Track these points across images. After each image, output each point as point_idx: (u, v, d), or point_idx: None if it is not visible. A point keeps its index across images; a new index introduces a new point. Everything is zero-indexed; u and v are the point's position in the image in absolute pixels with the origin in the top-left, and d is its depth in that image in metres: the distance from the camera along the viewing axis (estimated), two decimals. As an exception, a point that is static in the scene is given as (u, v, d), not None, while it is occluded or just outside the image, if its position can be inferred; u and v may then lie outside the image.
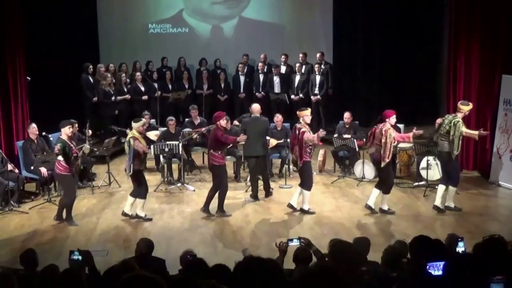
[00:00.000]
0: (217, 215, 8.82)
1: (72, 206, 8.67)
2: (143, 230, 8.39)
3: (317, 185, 9.91)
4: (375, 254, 5.26)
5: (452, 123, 8.62)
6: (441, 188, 8.87)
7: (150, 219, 8.74)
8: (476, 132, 8.84)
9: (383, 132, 8.55)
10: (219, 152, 8.78)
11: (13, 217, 8.91)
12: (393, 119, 8.67)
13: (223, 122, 8.92)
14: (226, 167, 9.14)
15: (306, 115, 8.85)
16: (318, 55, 13.77)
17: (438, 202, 8.87)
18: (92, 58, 13.45)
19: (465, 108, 8.76)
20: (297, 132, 8.76)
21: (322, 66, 13.67)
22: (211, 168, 8.93)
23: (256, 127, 9.47)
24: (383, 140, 8.52)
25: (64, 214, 8.63)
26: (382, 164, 8.61)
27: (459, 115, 8.69)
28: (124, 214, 8.81)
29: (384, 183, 8.84)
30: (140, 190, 8.72)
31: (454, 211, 8.86)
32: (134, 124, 8.69)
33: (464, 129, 8.61)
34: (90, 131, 10.18)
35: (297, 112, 9.06)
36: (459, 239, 5.03)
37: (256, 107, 9.77)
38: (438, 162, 9.72)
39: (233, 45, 14.83)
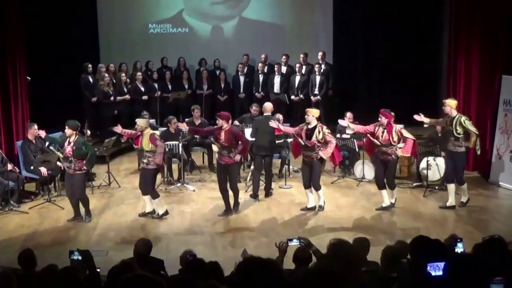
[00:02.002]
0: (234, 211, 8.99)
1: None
2: (143, 230, 8.39)
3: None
4: (376, 254, 5.25)
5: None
6: (464, 186, 9.01)
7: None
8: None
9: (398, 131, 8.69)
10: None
11: (13, 217, 8.91)
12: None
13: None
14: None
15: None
16: (320, 54, 13.72)
17: (464, 198, 9.07)
18: (92, 58, 13.45)
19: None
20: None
21: (323, 66, 13.66)
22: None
23: (267, 125, 9.48)
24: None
25: (74, 213, 8.73)
26: None
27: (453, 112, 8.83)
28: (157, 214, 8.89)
29: None
30: None
31: (451, 209, 8.95)
32: (142, 121, 8.85)
33: None
34: (89, 131, 10.18)
35: (315, 111, 9.25)
36: (458, 240, 5.03)
37: (268, 105, 9.90)
38: (438, 163, 9.73)
39: (233, 45, 14.82)
